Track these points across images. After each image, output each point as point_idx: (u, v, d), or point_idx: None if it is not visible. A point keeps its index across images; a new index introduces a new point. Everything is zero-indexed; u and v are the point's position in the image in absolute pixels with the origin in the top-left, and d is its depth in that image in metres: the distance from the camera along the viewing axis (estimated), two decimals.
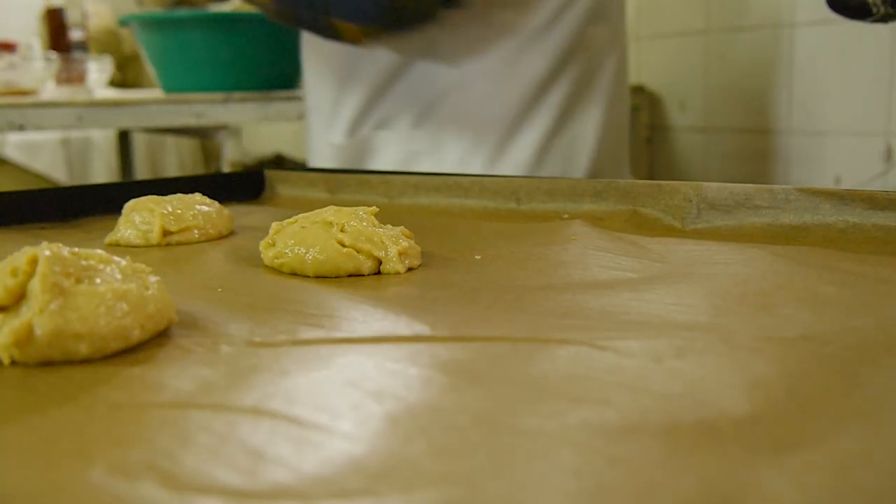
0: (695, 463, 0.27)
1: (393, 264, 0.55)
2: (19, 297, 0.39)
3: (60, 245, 0.42)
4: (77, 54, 2.14)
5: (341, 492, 0.26)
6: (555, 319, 0.44)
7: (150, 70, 2.00)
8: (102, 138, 2.80)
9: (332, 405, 0.32)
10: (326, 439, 0.29)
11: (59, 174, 2.72)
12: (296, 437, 0.30)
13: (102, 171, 2.82)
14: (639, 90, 2.06)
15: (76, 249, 0.43)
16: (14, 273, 0.39)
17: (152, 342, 0.41)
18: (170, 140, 2.86)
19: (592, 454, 0.27)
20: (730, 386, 0.33)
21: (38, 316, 0.38)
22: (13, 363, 0.38)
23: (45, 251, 0.40)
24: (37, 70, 1.91)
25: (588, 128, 1.05)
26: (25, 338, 0.37)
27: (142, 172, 2.75)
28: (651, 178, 1.93)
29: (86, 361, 0.38)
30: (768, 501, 0.24)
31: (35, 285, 0.38)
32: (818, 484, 0.25)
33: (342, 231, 0.56)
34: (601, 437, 0.29)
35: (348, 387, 0.34)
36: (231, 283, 0.54)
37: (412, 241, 0.58)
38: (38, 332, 0.37)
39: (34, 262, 0.39)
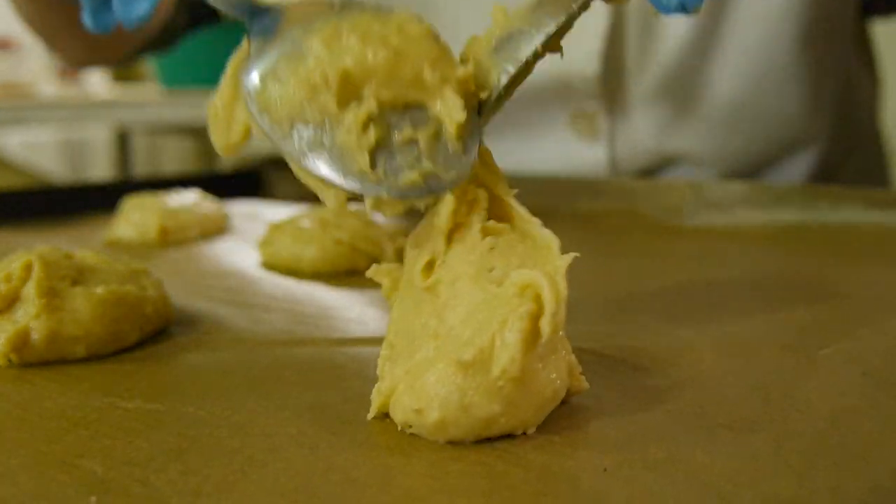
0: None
1: (389, 262, 0.55)
2: (12, 301, 0.39)
3: (55, 248, 0.42)
4: None
5: (339, 501, 0.26)
6: None
7: (150, 64, 2.00)
8: (101, 139, 2.80)
9: (329, 410, 0.32)
10: (324, 445, 0.29)
11: (59, 175, 2.71)
12: (292, 441, 0.30)
13: (101, 171, 2.82)
14: None
15: (74, 251, 0.43)
16: (8, 279, 0.39)
17: (150, 340, 0.41)
18: (169, 141, 2.85)
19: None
20: (734, 386, 0.33)
21: (34, 320, 0.37)
22: (10, 363, 0.38)
23: (40, 256, 0.40)
24: (35, 66, 1.91)
25: None
26: (22, 343, 0.37)
27: (140, 173, 2.75)
28: None
29: (83, 360, 0.38)
30: None
31: (30, 290, 0.38)
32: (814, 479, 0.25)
33: (339, 229, 0.56)
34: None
35: (346, 389, 0.34)
36: (228, 282, 0.54)
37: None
38: (35, 336, 0.37)
39: (28, 267, 0.39)
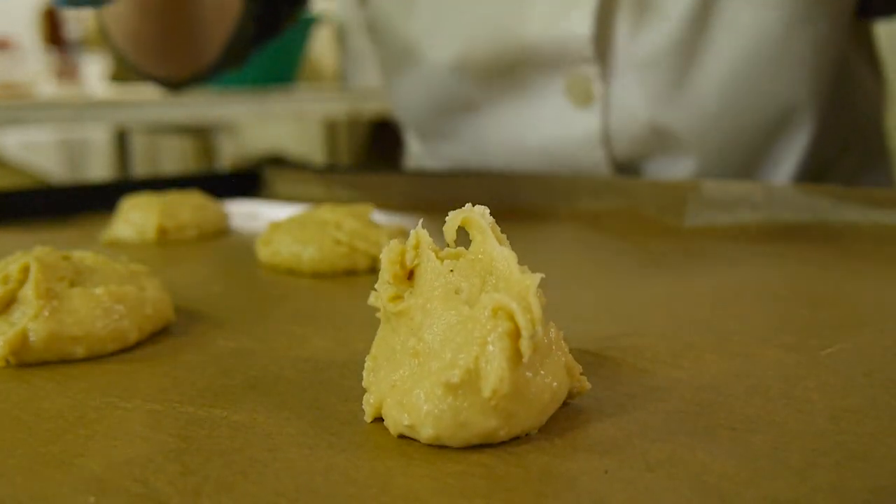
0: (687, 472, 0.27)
1: None
2: (9, 303, 0.39)
3: (53, 249, 0.42)
4: (75, 50, 2.14)
5: (339, 502, 0.26)
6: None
7: None
8: (100, 139, 2.80)
9: (328, 410, 0.32)
10: (324, 445, 0.29)
11: (57, 175, 2.72)
12: (292, 441, 0.29)
13: (100, 171, 2.82)
14: None
15: (72, 252, 0.43)
16: (5, 280, 0.39)
17: (150, 340, 0.41)
18: (168, 141, 2.86)
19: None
20: (728, 392, 0.33)
21: (32, 322, 0.37)
22: (8, 364, 0.38)
23: (37, 258, 0.39)
24: (34, 66, 1.91)
25: None
26: (20, 344, 0.37)
27: (139, 173, 2.75)
28: None
29: (83, 360, 0.38)
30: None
31: (28, 291, 0.38)
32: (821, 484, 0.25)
33: (338, 229, 0.56)
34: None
35: (346, 389, 0.34)
36: (228, 282, 0.54)
37: None
38: (33, 337, 0.37)
39: (26, 269, 0.39)
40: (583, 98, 0.79)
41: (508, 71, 0.81)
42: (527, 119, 0.83)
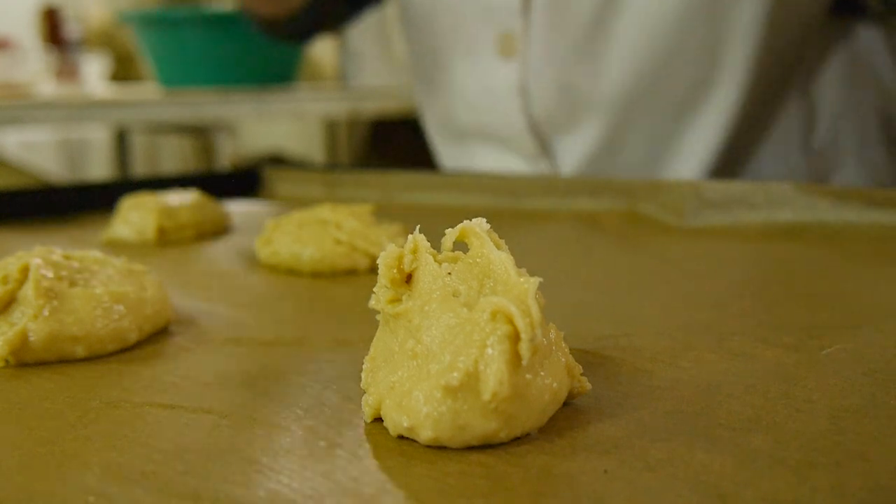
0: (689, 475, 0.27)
1: None
2: (9, 303, 0.39)
3: (52, 249, 0.42)
4: (74, 50, 2.14)
5: (339, 501, 0.26)
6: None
7: (148, 65, 1.99)
8: (100, 139, 2.80)
9: (328, 410, 0.32)
10: (324, 445, 0.29)
11: (57, 175, 2.72)
12: (292, 441, 0.29)
13: (100, 171, 2.82)
14: None
15: (72, 251, 0.43)
16: (4, 280, 0.39)
17: (150, 340, 0.41)
18: (167, 141, 2.85)
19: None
20: (727, 391, 0.33)
21: (32, 322, 0.37)
22: (7, 364, 0.38)
23: (37, 259, 0.39)
24: (33, 66, 1.91)
25: None
26: (20, 344, 0.37)
27: (139, 173, 2.74)
28: None
29: (83, 360, 0.38)
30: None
31: (28, 291, 0.38)
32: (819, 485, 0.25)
33: (338, 229, 0.56)
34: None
35: (346, 389, 0.34)
36: (227, 282, 0.54)
37: None
38: (33, 337, 0.37)
39: (26, 269, 0.39)
40: (507, 50, 0.83)
41: (453, 20, 0.87)
42: (466, 70, 0.88)
